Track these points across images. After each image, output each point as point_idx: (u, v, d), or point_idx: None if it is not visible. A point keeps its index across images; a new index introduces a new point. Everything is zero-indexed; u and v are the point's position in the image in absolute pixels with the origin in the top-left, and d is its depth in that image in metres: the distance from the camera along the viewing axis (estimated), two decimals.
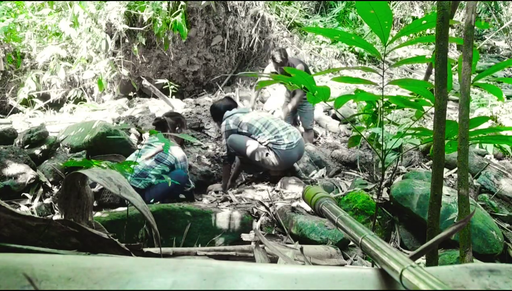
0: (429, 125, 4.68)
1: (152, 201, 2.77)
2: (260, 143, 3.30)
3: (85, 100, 5.68)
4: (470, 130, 1.17)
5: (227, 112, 3.51)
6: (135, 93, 5.87)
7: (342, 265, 1.79)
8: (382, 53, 1.33)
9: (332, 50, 7.88)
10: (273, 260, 1.28)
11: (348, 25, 9.31)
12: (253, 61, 6.94)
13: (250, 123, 3.35)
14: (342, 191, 3.00)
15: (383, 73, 1.40)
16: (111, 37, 5.24)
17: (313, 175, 3.64)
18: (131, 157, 3.05)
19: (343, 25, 9.39)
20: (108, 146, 3.36)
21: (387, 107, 2.84)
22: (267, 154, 3.25)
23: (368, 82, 1.49)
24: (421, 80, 1.42)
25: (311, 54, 7.62)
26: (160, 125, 3.24)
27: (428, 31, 6.49)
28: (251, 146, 3.31)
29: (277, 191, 3.23)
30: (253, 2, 6.47)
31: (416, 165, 3.56)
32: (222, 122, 3.50)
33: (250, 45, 6.54)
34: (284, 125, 3.38)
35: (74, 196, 1.04)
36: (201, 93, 6.51)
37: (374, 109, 3.03)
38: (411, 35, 7.28)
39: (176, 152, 3.04)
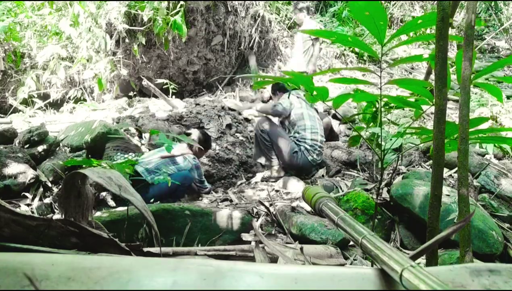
0: (429, 125, 4.68)
1: (152, 200, 2.77)
2: (295, 137, 3.63)
3: (85, 100, 5.68)
4: (470, 130, 1.17)
5: (295, 91, 3.80)
6: (135, 93, 5.87)
7: (342, 265, 1.79)
8: (380, 53, 1.33)
9: (332, 50, 7.88)
10: (273, 259, 1.28)
11: (348, 25, 9.29)
12: None
13: (303, 117, 3.65)
14: (342, 191, 2.99)
15: (381, 73, 1.40)
16: (111, 37, 5.24)
17: (313, 175, 3.65)
18: (151, 153, 3.15)
19: (343, 24, 9.37)
20: None
21: (387, 107, 2.84)
22: (296, 151, 3.56)
23: (366, 82, 1.49)
24: (419, 80, 1.42)
25: None
26: (189, 135, 3.41)
27: (428, 30, 6.48)
28: (285, 135, 3.66)
29: (277, 191, 3.23)
30: (253, 2, 6.47)
31: (416, 165, 3.56)
32: (290, 93, 3.81)
33: (250, 45, 6.54)
34: (322, 144, 3.71)
35: (74, 196, 1.04)
36: (201, 93, 6.50)
37: (374, 109, 3.03)
38: (411, 34, 7.28)
39: (193, 160, 3.20)
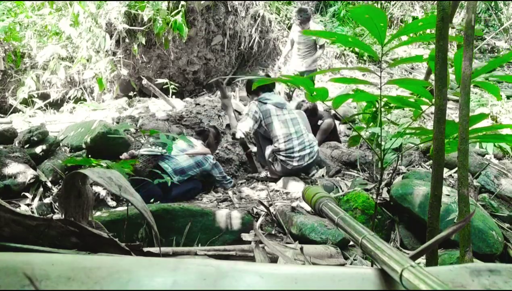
0: (429, 125, 4.68)
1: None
2: (274, 147, 3.45)
3: (85, 100, 5.68)
4: (470, 128, 1.17)
5: (265, 95, 3.44)
6: (135, 93, 5.87)
7: (342, 264, 1.79)
8: (380, 53, 1.33)
9: (332, 50, 7.88)
10: (273, 259, 1.28)
11: (348, 25, 9.29)
12: (253, 61, 6.94)
13: (273, 127, 3.38)
14: (342, 191, 2.99)
15: (381, 73, 1.40)
16: (111, 36, 5.24)
17: (313, 175, 3.64)
18: (175, 151, 3.17)
19: (343, 24, 9.37)
20: (108, 145, 3.36)
21: (387, 107, 2.84)
22: (273, 160, 3.46)
23: (365, 82, 1.49)
24: (419, 80, 1.42)
25: None
26: (201, 133, 3.56)
27: (428, 31, 6.48)
28: (269, 146, 3.51)
29: (277, 191, 3.23)
30: (253, 2, 6.47)
31: (416, 165, 3.56)
32: (254, 102, 3.46)
33: (250, 45, 6.54)
34: (303, 145, 3.39)
35: (74, 196, 1.04)
36: (201, 93, 6.51)
37: (374, 109, 3.03)
38: (411, 34, 7.28)
39: (213, 159, 3.35)
